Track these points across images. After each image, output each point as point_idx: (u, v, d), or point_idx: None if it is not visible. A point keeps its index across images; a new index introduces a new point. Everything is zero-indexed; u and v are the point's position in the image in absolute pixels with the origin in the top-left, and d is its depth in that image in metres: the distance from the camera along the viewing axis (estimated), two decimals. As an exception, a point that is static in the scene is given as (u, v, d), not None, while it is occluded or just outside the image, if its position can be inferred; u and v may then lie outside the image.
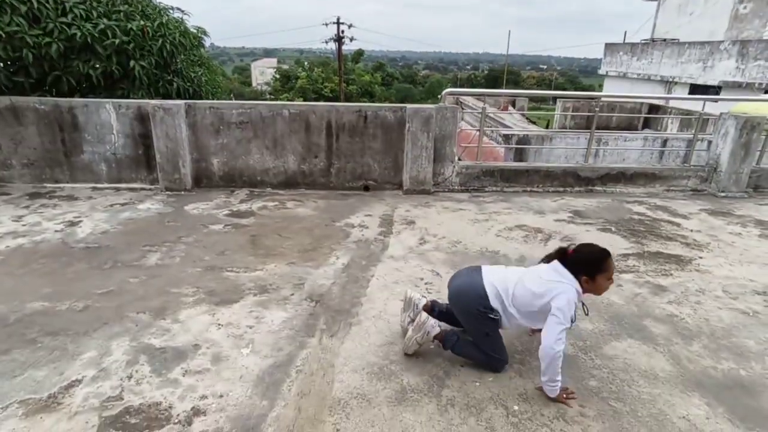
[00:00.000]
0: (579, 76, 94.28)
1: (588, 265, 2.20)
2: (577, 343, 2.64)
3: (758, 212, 5.07)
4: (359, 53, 41.21)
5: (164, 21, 5.99)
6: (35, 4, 4.91)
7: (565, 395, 2.21)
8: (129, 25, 5.51)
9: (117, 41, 5.37)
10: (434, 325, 2.43)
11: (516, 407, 2.16)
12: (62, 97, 5.39)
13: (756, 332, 2.81)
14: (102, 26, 5.30)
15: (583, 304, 2.30)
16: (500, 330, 2.38)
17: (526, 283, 2.27)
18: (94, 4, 5.50)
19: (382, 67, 54.51)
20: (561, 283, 2.20)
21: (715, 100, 8.80)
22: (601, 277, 2.18)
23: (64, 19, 5.12)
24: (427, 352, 2.49)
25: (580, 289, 2.21)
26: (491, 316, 2.30)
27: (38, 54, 5.01)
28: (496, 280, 2.32)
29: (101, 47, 5.33)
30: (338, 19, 29.60)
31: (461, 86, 71.93)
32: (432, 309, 2.57)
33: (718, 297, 3.22)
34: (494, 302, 2.29)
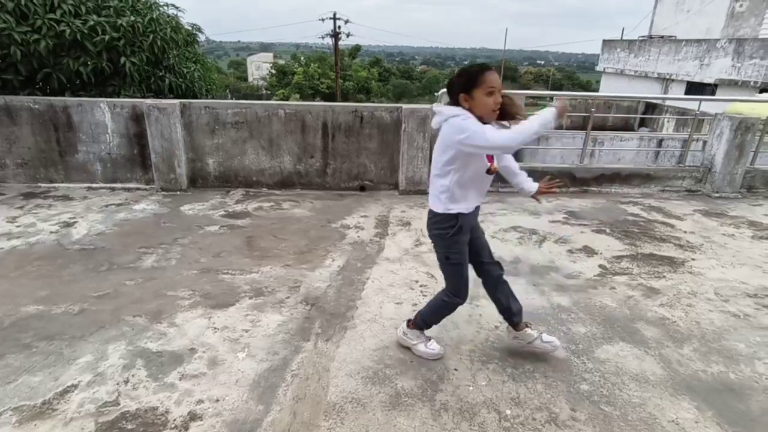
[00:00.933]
0: (576, 71, 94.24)
1: (461, 84, 2.04)
2: (569, 346, 2.67)
3: (752, 213, 5.11)
4: (356, 49, 41.10)
5: (155, 16, 5.96)
6: (23, 1, 4.86)
7: (560, 105, 2.02)
8: (119, 21, 5.47)
9: (107, 37, 5.34)
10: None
11: (508, 411, 2.18)
12: (53, 94, 5.37)
13: (746, 335, 2.85)
14: (91, 23, 5.27)
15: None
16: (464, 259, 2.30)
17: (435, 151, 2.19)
18: (83, -1, 5.47)
19: (378, 62, 54.34)
20: (442, 115, 2.08)
21: (711, 100, 8.84)
22: (478, 91, 2.00)
23: (52, 16, 5.07)
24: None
25: (466, 112, 2.03)
26: (438, 231, 2.24)
27: (26, 51, 4.96)
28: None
29: (91, 44, 5.30)
30: (335, 14, 29.46)
31: (458, 82, 71.65)
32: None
33: (709, 299, 3.25)
34: (433, 202, 2.23)
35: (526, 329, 2.53)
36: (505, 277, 2.51)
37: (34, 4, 4.99)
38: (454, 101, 2.10)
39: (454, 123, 2.02)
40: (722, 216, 4.99)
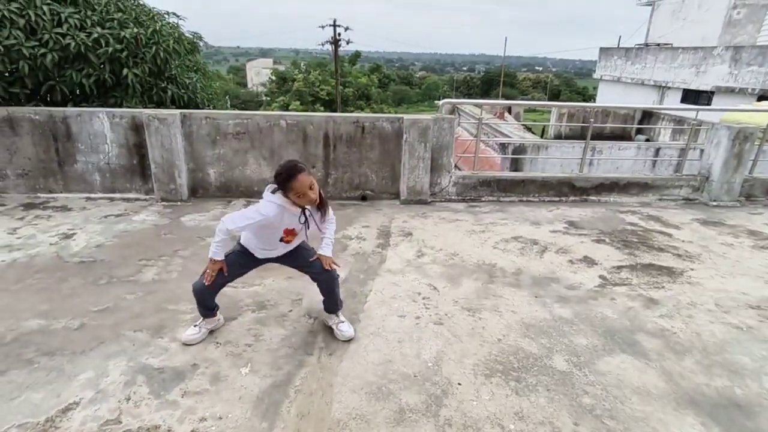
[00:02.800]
0: (574, 78, 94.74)
1: (279, 184, 2.35)
2: (571, 359, 2.67)
3: (751, 222, 5.13)
4: (356, 55, 41.25)
5: (158, 28, 5.99)
6: (32, 17, 4.91)
7: (209, 272, 2.47)
8: (122, 33, 5.50)
9: (110, 49, 5.37)
10: None
11: (512, 426, 2.18)
12: (56, 106, 5.39)
13: (751, 348, 2.84)
14: (95, 35, 5.30)
15: (302, 212, 2.44)
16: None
17: None
18: (89, 13, 5.50)
19: (378, 68, 54.56)
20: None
21: (709, 110, 8.89)
22: (292, 194, 2.34)
23: (59, 30, 5.12)
24: (426, 371, 2.52)
25: (285, 203, 2.37)
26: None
27: (34, 65, 5.01)
28: None
29: (94, 56, 5.33)
30: (335, 21, 29.60)
31: (457, 88, 72.06)
32: None
33: (710, 311, 3.26)
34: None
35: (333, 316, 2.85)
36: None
37: (43, 20, 5.03)
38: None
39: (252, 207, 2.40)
40: (720, 225, 5.01)
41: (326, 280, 2.73)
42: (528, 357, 2.67)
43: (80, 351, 2.58)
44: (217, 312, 2.77)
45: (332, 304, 2.82)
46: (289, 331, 2.84)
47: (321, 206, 2.53)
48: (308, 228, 2.54)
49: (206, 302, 2.64)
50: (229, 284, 3.32)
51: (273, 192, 2.38)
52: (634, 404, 2.34)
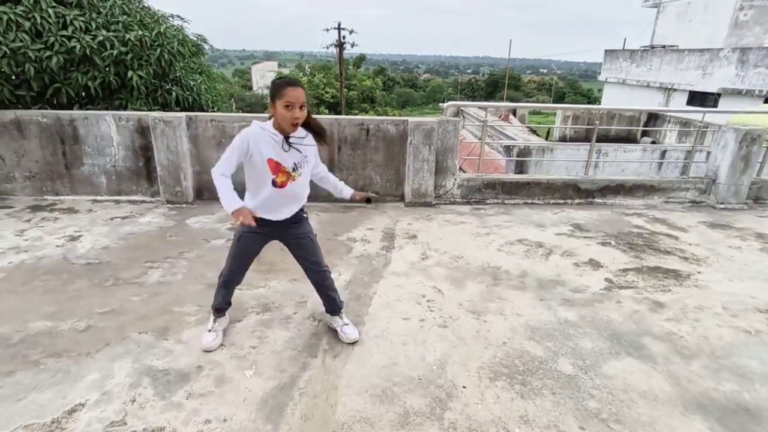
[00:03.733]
0: (579, 80, 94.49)
1: (270, 93, 2.29)
2: (576, 362, 2.65)
3: (759, 225, 5.08)
4: (361, 58, 41.35)
5: (162, 30, 6.01)
6: (38, 20, 4.95)
7: (242, 220, 2.21)
8: (127, 36, 5.54)
9: (115, 52, 5.40)
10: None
11: (517, 430, 2.17)
12: (61, 108, 5.43)
13: (759, 352, 2.81)
14: (101, 38, 5.33)
15: (285, 140, 2.32)
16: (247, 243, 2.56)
17: None
18: (94, 15, 5.54)
19: (383, 71, 54.68)
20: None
21: (715, 112, 8.84)
22: (279, 102, 2.22)
23: (64, 32, 5.15)
24: (431, 374, 2.51)
25: (266, 125, 2.30)
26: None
27: (39, 68, 5.05)
28: None
29: (100, 58, 5.36)
30: (339, 24, 29.69)
31: (462, 90, 72.04)
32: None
33: (717, 314, 3.23)
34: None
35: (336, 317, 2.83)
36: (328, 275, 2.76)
37: (49, 23, 5.07)
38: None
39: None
40: (728, 228, 4.96)
41: (317, 280, 2.71)
42: (533, 360, 2.65)
43: (86, 352, 2.59)
44: (227, 312, 2.79)
45: (331, 304, 2.79)
46: (294, 333, 2.84)
47: (318, 135, 2.43)
48: (300, 166, 2.38)
49: (230, 289, 2.69)
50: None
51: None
52: (640, 408, 2.32)
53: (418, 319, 3.03)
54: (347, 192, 2.74)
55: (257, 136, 2.28)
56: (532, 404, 2.32)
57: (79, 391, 2.30)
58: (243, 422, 2.14)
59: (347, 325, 2.81)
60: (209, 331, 2.71)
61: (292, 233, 2.59)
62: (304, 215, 2.60)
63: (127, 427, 2.09)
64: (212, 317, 2.75)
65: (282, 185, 2.38)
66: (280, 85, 2.24)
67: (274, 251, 3.98)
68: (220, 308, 2.74)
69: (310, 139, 2.43)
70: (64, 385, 2.34)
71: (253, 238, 2.54)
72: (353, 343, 2.74)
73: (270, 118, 2.34)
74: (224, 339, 2.75)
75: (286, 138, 2.32)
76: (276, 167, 2.34)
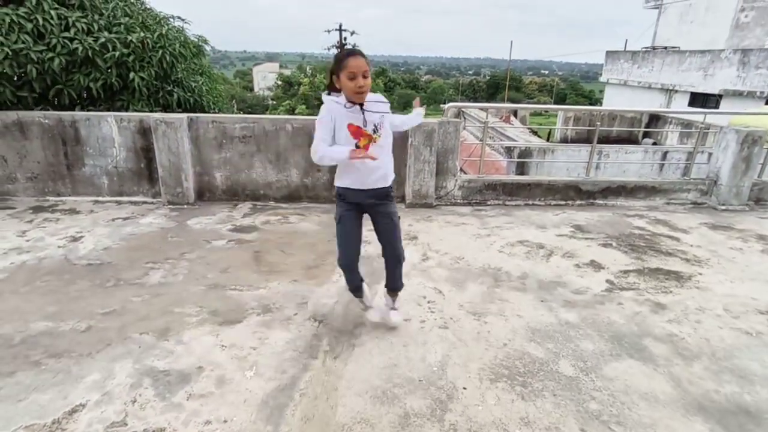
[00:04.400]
0: (580, 81, 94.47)
1: (333, 66, 2.36)
2: (577, 364, 2.65)
3: (760, 226, 5.08)
4: (361, 59, 41.36)
5: (164, 32, 6.02)
6: (40, 21, 4.97)
7: (359, 155, 2.30)
8: (129, 38, 5.55)
9: (117, 54, 5.41)
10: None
11: (518, 431, 2.17)
12: (63, 109, 5.44)
13: (760, 354, 2.80)
14: (103, 39, 5.35)
15: (360, 108, 2.38)
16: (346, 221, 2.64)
17: None
18: (96, 17, 5.55)
19: (384, 72, 54.68)
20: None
21: (717, 113, 8.83)
22: (342, 74, 2.28)
23: (66, 34, 5.17)
24: (431, 375, 2.51)
25: (339, 98, 2.36)
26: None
27: (41, 69, 5.06)
28: None
29: (102, 60, 5.38)
30: (340, 25, 29.74)
31: (463, 91, 72.06)
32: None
33: (718, 316, 3.22)
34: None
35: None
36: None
37: (51, 24, 5.09)
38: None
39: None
40: (729, 229, 4.96)
41: (389, 258, 2.78)
42: (534, 362, 2.65)
43: (87, 353, 2.59)
44: (364, 284, 2.88)
45: (394, 282, 2.85)
46: (294, 334, 2.84)
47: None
48: (379, 127, 2.44)
49: (353, 270, 2.76)
50: (234, 287, 3.37)
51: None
52: (641, 410, 2.32)
53: (419, 320, 3.03)
54: (417, 114, 2.91)
55: (334, 107, 2.37)
56: (533, 406, 2.32)
57: (79, 391, 2.30)
58: (243, 423, 2.14)
59: (395, 310, 2.92)
60: (370, 308, 2.92)
61: (380, 210, 2.64)
62: (392, 193, 2.65)
63: (127, 428, 2.09)
64: (358, 300, 2.93)
65: (366, 147, 2.45)
66: (341, 57, 2.31)
67: (275, 253, 4.01)
68: (356, 288, 2.83)
69: (380, 102, 2.49)
70: (64, 385, 2.34)
71: (348, 216, 2.62)
72: (354, 346, 2.74)
73: (329, 93, 2.43)
74: (224, 340, 2.75)
75: (360, 106, 2.38)
76: (357, 131, 2.41)
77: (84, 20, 5.36)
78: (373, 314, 2.92)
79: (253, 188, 5.33)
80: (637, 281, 3.69)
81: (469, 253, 4.10)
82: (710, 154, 6.01)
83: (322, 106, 2.38)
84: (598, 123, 6.00)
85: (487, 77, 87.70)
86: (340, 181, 2.57)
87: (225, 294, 3.28)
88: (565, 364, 2.63)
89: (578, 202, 5.67)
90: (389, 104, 2.54)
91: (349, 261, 2.71)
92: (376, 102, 2.45)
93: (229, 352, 2.64)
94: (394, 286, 2.87)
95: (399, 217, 2.70)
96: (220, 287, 3.37)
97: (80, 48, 5.18)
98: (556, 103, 57.52)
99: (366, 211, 2.65)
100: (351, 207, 2.59)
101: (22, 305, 3.06)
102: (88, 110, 5.58)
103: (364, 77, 2.27)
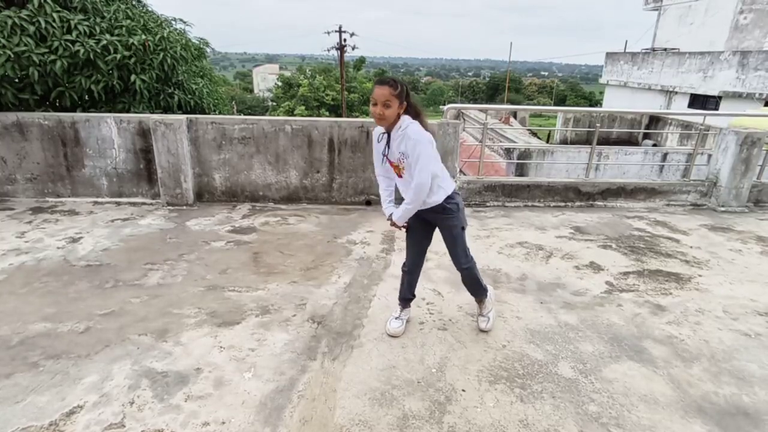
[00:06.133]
0: (580, 83, 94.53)
1: None
2: (577, 366, 2.64)
3: (759, 228, 5.07)
4: (361, 61, 41.36)
5: (165, 34, 6.03)
6: (42, 24, 4.97)
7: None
8: (131, 40, 5.55)
9: (119, 56, 5.42)
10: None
11: (517, 434, 2.16)
12: (65, 111, 5.44)
13: (759, 356, 2.80)
14: (104, 42, 5.35)
15: (386, 135, 2.49)
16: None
17: None
18: (98, 20, 5.55)
19: (383, 74, 54.70)
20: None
21: (716, 115, 8.84)
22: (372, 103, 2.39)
23: (68, 37, 5.17)
24: (430, 377, 2.50)
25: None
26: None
27: (43, 71, 5.06)
28: None
29: (103, 62, 5.38)
30: (340, 27, 29.75)
31: (462, 93, 72.10)
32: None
33: (718, 317, 3.22)
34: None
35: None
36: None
37: (53, 27, 5.09)
38: None
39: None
40: (729, 231, 4.95)
41: (455, 265, 2.86)
42: (533, 363, 2.65)
43: (85, 354, 2.59)
44: (411, 303, 3.00)
45: (471, 293, 2.96)
46: (293, 336, 2.84)
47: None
48: (401, 161, 2.46)
49: (414, 276, 2.89)
50: (233, 288, 3.36)
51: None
52: (641, 412, 2.31)
53: (418, 322, 3.02)
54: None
55: (376, 133, 2.56)
56: (532, 408, 2.31)
57: (77, 393, 2.30)
58: (241, 425, 2.14)
59: (482, 316, 2.98)
60: (396, 318, 2.91)
61: (440, 224, 2.74)
62: (449, 206, 2.63)
63: (125, 430, 2.08)
64: (399, 306, 2.96)
65: (399, 175, 2.57)
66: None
67: (274, 254, 4.00)
68: (405, 298, 2.93)
69: (406, 139, 2.39)
70: (62, 387, 2.34)
71: (414, 226, 2.77)
72: (352, 348, 2.73)
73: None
74: (222, 341, 2.75)
75: (387, 133, 2.47)
76: (386, 158, 2.55)
77: (86, 23, 5.37)
78: (390, 325, 2.91)
79: (252, 189, 5.33)
80: (636, 283, 3.68)
81: (469, 255, 4.09)
82: (710, 156, 6.01)
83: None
84: (598, 124, 6.00)
85: (487, 79, 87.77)
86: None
87: (224, 295, 3.28)
88: (564, 366, 2.63)
89: (578, 203, 5.66)
90: (419, 143, 2.35)
91: (414, 266, 2.88)
92: (402, 138, 2.40)
93: (227, 354, 2.64)
94: (474, 295, 2.98)
95: (463, 228, 2.73)
96: (219, 288, 3.36)
97: (82, 50, 5.18)
98: (555, 104, 57.58)
99: (432, 222, 2.76)
100: (417, 218, 2.69)
101: (20, 306, 3.05)
102: (89, 112, 5.58)
103: (386, 106, 2.32)
